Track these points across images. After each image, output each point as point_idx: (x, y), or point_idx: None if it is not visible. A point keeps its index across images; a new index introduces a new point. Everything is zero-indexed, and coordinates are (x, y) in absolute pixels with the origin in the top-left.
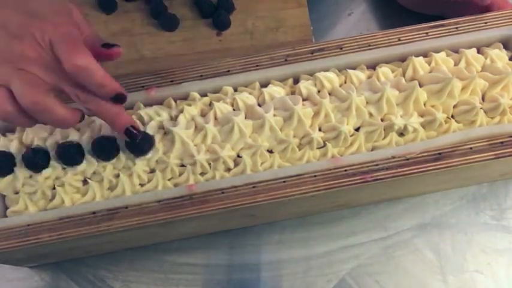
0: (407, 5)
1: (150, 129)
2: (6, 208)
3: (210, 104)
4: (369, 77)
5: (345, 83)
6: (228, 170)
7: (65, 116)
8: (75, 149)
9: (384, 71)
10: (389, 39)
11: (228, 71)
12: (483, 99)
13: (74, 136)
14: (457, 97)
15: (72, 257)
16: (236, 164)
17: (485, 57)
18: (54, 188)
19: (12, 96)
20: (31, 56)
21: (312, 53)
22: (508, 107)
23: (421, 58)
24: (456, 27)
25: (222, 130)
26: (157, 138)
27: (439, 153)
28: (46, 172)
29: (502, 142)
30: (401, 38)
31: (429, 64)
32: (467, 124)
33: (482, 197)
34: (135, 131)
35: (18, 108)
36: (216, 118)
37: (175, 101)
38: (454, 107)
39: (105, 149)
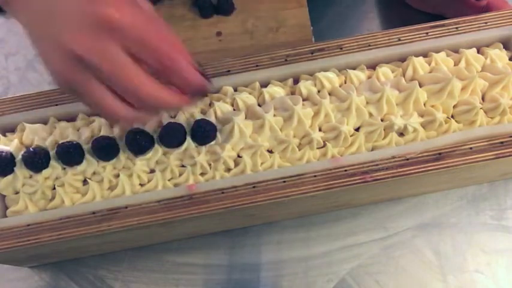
0: (409, 1)
1: (150, 129)
2: (6, 208)
3: (210, 104)
4: (369, 77)
5: (345, 83)
6: (228, 170)
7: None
8: (75, 149)
9: (384, 71)
10: (389, 39)
11: (228, 71)
12: (483, 99)
13: (73, 136)
14: (457, 97)
15: (72, 257)
16: (236, 164)
17: (485, 57)
18: (54, 188)
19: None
20: (116, 19)
21: (312, 53)
22: (508, 107)
23: (421, 58)
24: (456, 27)
25: (222, 130)
26: (156, 138)
27: (439, 153)
28: (46, 172)
29: (502, 142)
30: (401, 38)
31: (429, 64)
32: (467, 124)
33: (482, 197)
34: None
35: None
36: (216, 118)
37: None
38: (454, 107)
39: (105, 149)
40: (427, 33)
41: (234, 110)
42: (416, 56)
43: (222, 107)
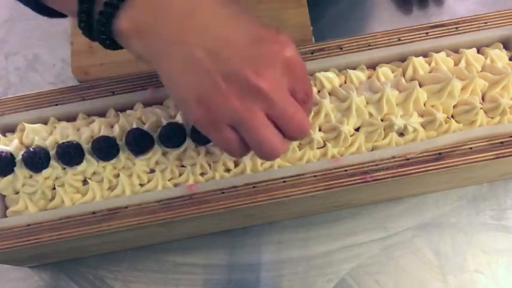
0: None
1: (149, 130)
2: (6, 208)
3: None
4: (369, 77)
5: (345, 83)
6: (228, 170)
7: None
8: (75, 149)
9: (384, 71)
10: (389, 39)
11: None
12: (483, 99)
13: (74, 136)
14: (457, 97)
15: (72, 257)
16: (236, 165)
17: (485, 57)
18: (54, 188)
19: (240, 137)
20: (265, 90)
21: (312, 53)
22: (508, 107)
23: (421, 58)
24: (456, 27)
25: None
26: (156, 137)
27: (439, 153)
28: (46, 172)
29: (502, 142)
30: (401, 38)
31: (429, 64)
32: (467, 124)
33: (482, 197)
34: None
35: (248, 148)
36: None
37: None
38: (454, 107)
39: (105, 149)
40: (427, 33)
41: None
42: (416, 56)
43: None
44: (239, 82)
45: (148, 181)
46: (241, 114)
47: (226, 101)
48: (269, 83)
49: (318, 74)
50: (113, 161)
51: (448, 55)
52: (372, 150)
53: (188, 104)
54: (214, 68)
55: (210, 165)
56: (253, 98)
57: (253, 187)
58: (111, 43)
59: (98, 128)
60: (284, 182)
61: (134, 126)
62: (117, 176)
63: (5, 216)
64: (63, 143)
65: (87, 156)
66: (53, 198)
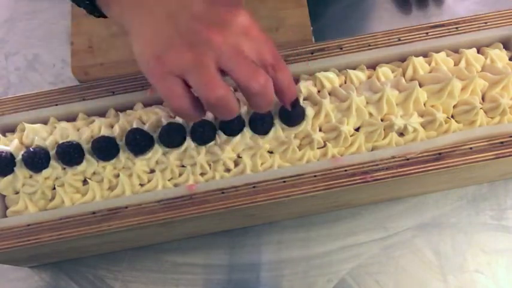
0: None
1: (149, 130)
2: (6, 208)
3: None
4: (369, 77)
5: (345, 83)
6: (228, 170)
7: (237, 108)
8: (75, 149)
9: (384, 71)
10: (389, 39)
11: None
12: (483, 99)
13: (74, 136)
14: (457, 97)
15: (72, 257)
16: (236, 165)
17: (485, 57)
18: (54, 188)
19: (188, 89)
20: (216, 41)
21: (312, 53)
22: (508, 107)
23: (421, 58)
24: (456, 27)
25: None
26: (156, 137)
27: (439, 153)
28: (46, 172)
29: (502, 142)
30: (401, 38)
31: (429, 64)
32: (467, 124)
33: (482, 197)
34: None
35: (194, 103)
36: (216, 118)
37: None
38: (454, 107)
39: (105, 149)
40: (427, 33)
41: None
42: (416, 56)
43: None
44: (192, 36)
45: (148, 181)
46: (189, 61)
47: (178, 53)
48: (221, 36)
49: (318, 74)
50: (113, 161)
51: (448, 55)
52: (372, 150)
53: (144, 60)
54: (170, 26)
55: (210, 165)
56: (204, 48)
57: (253, 187)
58: (96, 10)
59: (98, 128)
60: (284, 182)
61: (134, 126)
62: (117, 176)
63: (5, 216)
64: (63, 143)
65: (87, 156)
66: (53, 198)
